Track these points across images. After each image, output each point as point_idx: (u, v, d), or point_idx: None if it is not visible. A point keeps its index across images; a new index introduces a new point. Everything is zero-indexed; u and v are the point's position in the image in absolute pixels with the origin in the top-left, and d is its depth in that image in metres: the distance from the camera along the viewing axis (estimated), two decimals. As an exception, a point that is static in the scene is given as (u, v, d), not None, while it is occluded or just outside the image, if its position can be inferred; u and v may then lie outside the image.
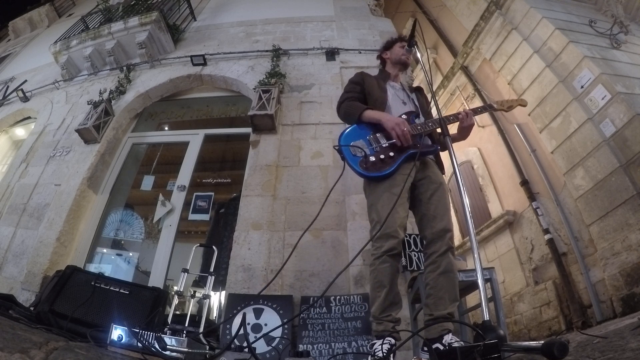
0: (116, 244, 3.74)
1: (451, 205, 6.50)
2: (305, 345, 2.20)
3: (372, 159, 1.69)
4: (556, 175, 4.57)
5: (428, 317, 1.55)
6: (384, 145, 1.73)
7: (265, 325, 2.29)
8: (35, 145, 4.26)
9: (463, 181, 1.54)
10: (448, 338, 1.41)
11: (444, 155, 1.94)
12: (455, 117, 1.87)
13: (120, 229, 3.76)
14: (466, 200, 1.47)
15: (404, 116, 1.83)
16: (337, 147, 1.77)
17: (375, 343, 1.50)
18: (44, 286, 2.58)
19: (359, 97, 1.94)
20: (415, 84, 4.99)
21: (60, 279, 2.04)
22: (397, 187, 1.65)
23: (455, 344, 1.32)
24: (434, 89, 1.91)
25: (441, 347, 1.37)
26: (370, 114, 1.80)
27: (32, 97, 5.14)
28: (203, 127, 4.22)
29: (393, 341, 1.48)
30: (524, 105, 2.14)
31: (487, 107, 2.00)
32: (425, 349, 1.44)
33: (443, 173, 1.91)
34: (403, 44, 2.11)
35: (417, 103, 2.01)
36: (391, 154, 1.70)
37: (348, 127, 1.85)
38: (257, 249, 2.80)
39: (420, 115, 1.91)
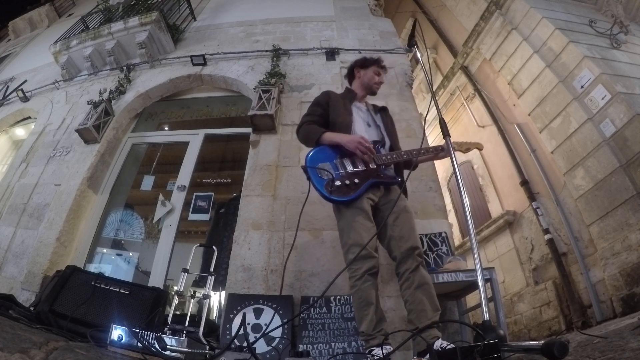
0: (116, 244, 3.73)
1: (451, 207, 6.51)
2: (305, 345, 2.20)
3: (338, 183, 1.71)
4: (556, 175, 4.57)
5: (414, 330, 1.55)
6: (349, 171, 1.75)
7: (265, 325, 2.28)
8: (35, 145, 4.25)
9: (463, 181, 1.55)
10: (439, 344, 1.40)
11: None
12: (435, 150, 1.97)
13: (120, 229, 3.75)
14: (466, 200, 1.48)
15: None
16: (304, 167, 1.78)
17: (373, 349, 1.52)
18: (44, 286, 2.58)
19: (318, 121, 1.96)
20: (415, 84, 4.98)
21: (60, 279, 2.04)
22: (365, 211, 1.72)
23: (449, 347, 1.32)
24: (434, 89, 1.92)
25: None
26: (329, 137, 1.83)
27: (32, 97, 5.14)
28: (203, 127, 4.21)
29: (390, 348, 1.50)
30: (480, 149, 2.22)
31: (441, 149, 1.98)
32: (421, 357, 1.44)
33: (405, 197, 1.94)
34: (379, 70, 2.12)
35: (382, 124, 2.04)
36: (356, 180, 1.73)
37: (314, 149, 1.86)
38: (257, 249, 2.80)
39: (386, 143, 1.95)
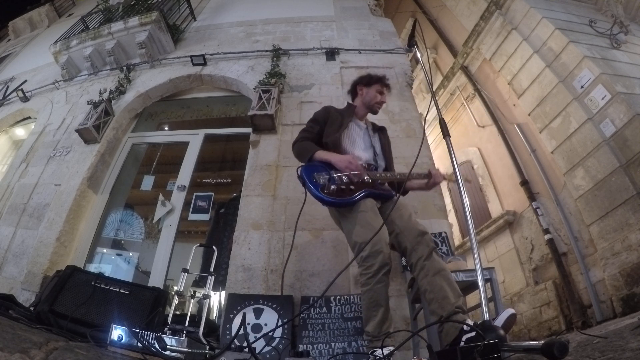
0: (116, 244, 3.74)
1: (451, 207, 6.52)
2: (305, 345, 2.20)
3: (333, 187, 1.72)
4: (556, 175, 4.57)
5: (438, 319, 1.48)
6: (344, 180, 1.77)
7: (265, 325, 2.28)
8: (35, 145, 4.26)
9: (463, 181, 1.55)
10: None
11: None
12: (426, 176, 1.96)
13: (120, 229, 3.75)
14: (466, 200, 1.47)
15: (364, 166, 1.88)
16: (299, 175, 1.80)
17: (375, 351, 1.51)
18: (44, 286, 2.58)
19: (314, 138, 1.98)
20: (415, 84, 4.98)
21: (60, 279, 2.04)
22: (369, 208, 1.72)
23: (486, 322, 1.24)
24: (434, 89, 1.92)
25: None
26: (321, 155, 1.84)
27: (32, 97, 5.14)
28: (203, 127, 4.21)
29: (392, 348, 1.49)
30: (451, 180, 2.25)
31: (428, 175, 2.01)
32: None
33: None
34: (382, 89, 2.11)
35: (378, 145, 2.06)
36: (352, 187, 1.76)
37: (308, 163, 1.88)
38: (257, 249, 2.80)
39: (379, 166, 1.98)
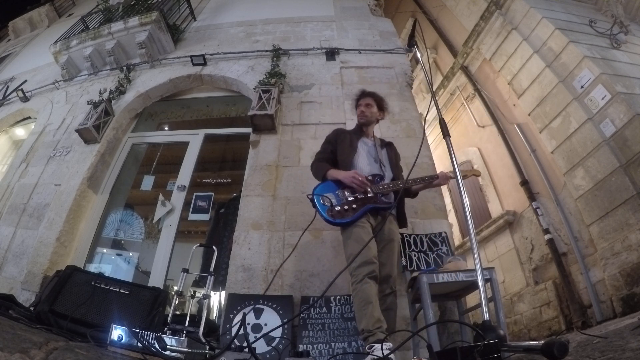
0: (116, 244, 3.74)
1: (451, 207, 6.50)
2: (305, 345, 2.20)
3: (338, 208, 1.98)
4: (556, 175, 4.57)
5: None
6: (349, 199, 2.00)
7: (265, 325, 2.28)
8: (35, 145, 4.26)
9: (463, 181, 1.55)
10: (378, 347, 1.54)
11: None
12: (430, 179, 2.20)
13: (120, 229, 3.75)
14: (466, 200, 1.48)
15: (370, 177, 2.10)
16: (309, 197, 2.04)
17: (374, 346, 1.53)
18: (44, 286, 2.58)
19: (328, 158, 2.25)
20: (415, 84, 5.00)
21: (60, 279, 2.04)
22: (365, 227, 1.95)
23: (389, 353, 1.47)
24: (434, 89, 1.93)
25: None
26: (332, 174, 2.10)
27: (32, 97, 5.14)
28: (203, 127, 4.21)
29: (391, 345, 1.51)
30: (478, 176, 2.46)
31: (436, 177, 2.25)
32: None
33: (405, 226, 2.24)
34: (359, 102, 2.40)
35: (386, 159, 2.28)
36: (354, 206, 1.99)
37: (321, 183, 2.13)
38: (257, 249, 2.80)
39: (386, 177, 2.17)
